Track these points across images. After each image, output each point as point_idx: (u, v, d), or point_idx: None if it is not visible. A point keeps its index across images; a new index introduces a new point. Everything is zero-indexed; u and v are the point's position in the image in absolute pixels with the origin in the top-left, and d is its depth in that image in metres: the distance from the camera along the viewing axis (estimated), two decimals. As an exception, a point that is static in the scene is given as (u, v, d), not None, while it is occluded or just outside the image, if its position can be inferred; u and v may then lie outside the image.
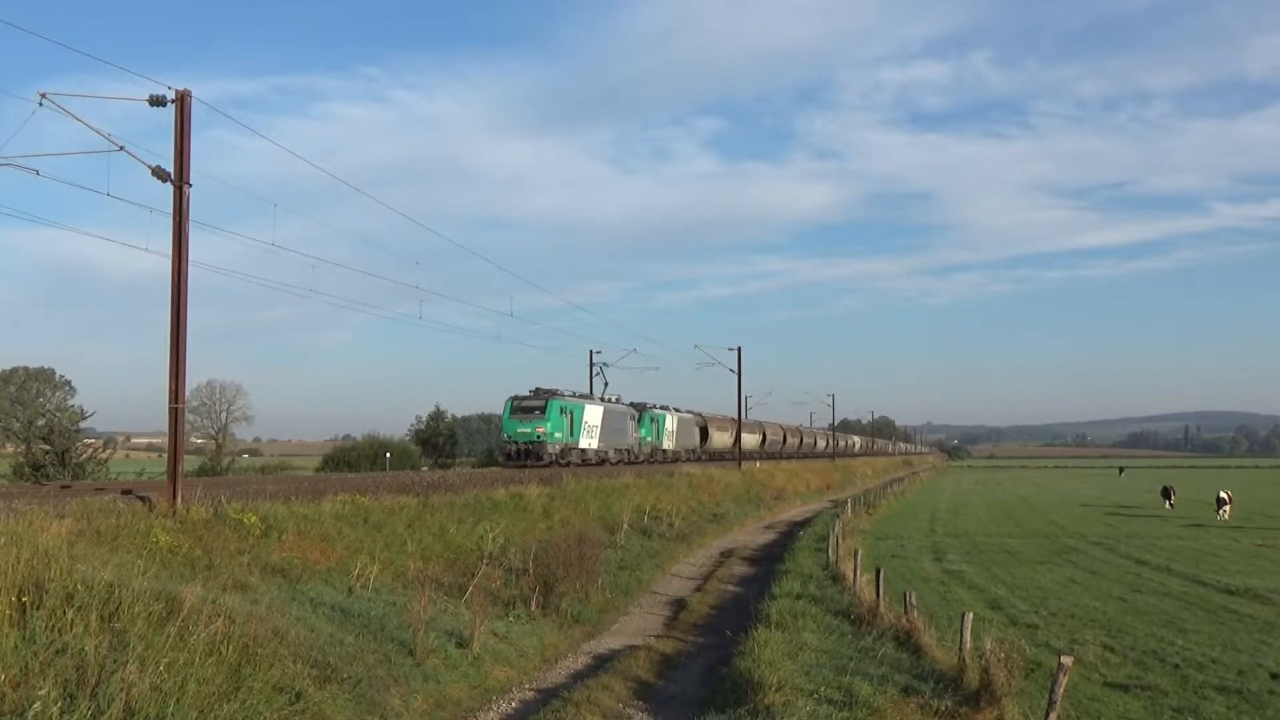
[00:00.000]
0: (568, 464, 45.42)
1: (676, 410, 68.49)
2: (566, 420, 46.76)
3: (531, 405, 45.61)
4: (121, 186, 19.16)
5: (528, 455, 44.48)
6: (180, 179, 18.00)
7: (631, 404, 59.72)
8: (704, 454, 73.52)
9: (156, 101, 17.86)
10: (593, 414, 50.56)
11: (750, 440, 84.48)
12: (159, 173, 18.03)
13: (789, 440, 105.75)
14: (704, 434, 74.50)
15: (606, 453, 52.20)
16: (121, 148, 17.84)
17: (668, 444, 64.26)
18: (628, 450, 56.08)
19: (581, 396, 50.14)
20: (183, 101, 18.07)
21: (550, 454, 44.86)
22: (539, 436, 44.71)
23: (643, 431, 59.05)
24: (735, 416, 76.44)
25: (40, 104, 16.97)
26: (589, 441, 49.84)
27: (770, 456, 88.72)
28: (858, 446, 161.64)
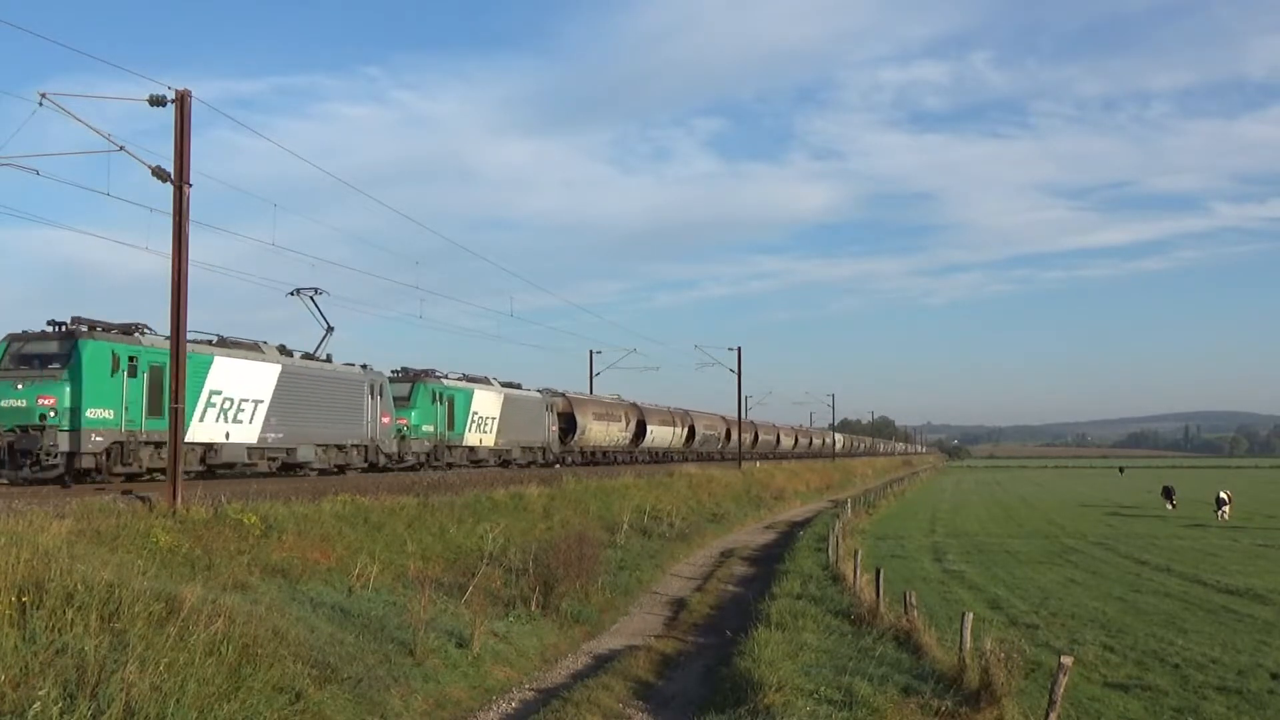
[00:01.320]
0: (147, 475, 23.46)
1: (508, 386, 43.50)
2: (141, 387, 23.04)
3: (44, 351, 22.14)
4: (121, 186, 19.20)
5: (22, 455, 20.82)
6: (180, 179, 18.01)
7: (400, 370, 36.30)
8: (571, 454, 50.20)
9: (156, 101, 17.87)
10: (253, 379, 26.33)
11: (664, 434, 65.10)
12: (159, 173, 18.04)
13: (736, 436, 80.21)
14: (569, 424, 50.13)
15: (291, 451, 27.98)
16: (121, 148, 17.86)
17: (477, 438, 39.42)
18: (364, 446, 31.39)
19: (235, 345, 26.71)
20: (183, 101, 18.08)
21: (53, 450, 21.05)
22: (45, 415, 21.07)
23: (413, 416, 34.90)
24: (635, 402, 61.61)
25: (40, 104, 17.01)
26: (236, 429, 25.81)
27: (705, 458, 70.36)
28: (839, 445, 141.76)
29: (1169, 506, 52.89)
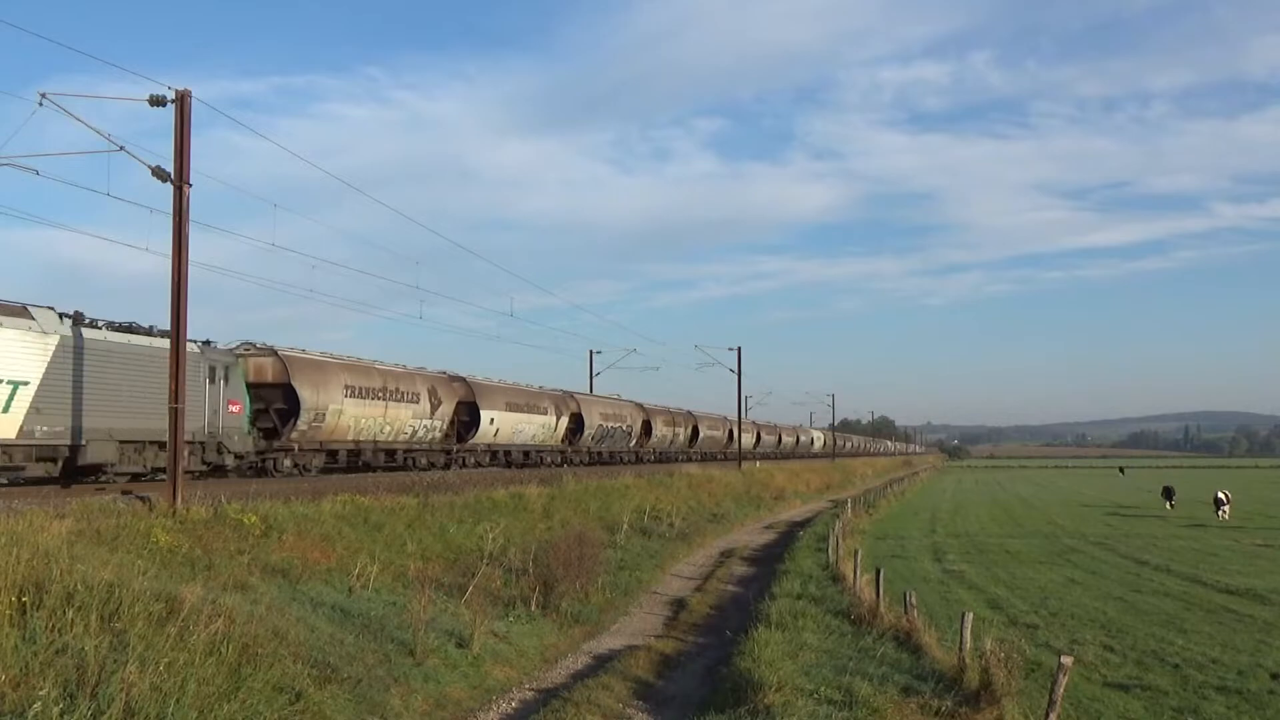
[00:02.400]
0: None
1: (100, 327, 22.55)
2: None
3: None
4: (121, 186, 19.18)
5: None
6: (180, 179, 18.01)
7: None
8: (289, 454, 29.97)
9: (156, 101, 17.88)
10: None
11: (515, 427, 43.30)
12: (159, 173, 18.04)
13: (659, 431, 63.64)
14: (290, 402, 29.64)
15: None
16: (121, 148, 17.87)
17: None
18: None
19: None
20: (183, 101, 18.08)
21: None
22: None
23: None
24: (461, 375, 40.50)
25: (40, 104, 17.02)
26: None
27: (601, 461, 53.60)
28: (817, 444, 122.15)
29: (1168, 506, 52.88)
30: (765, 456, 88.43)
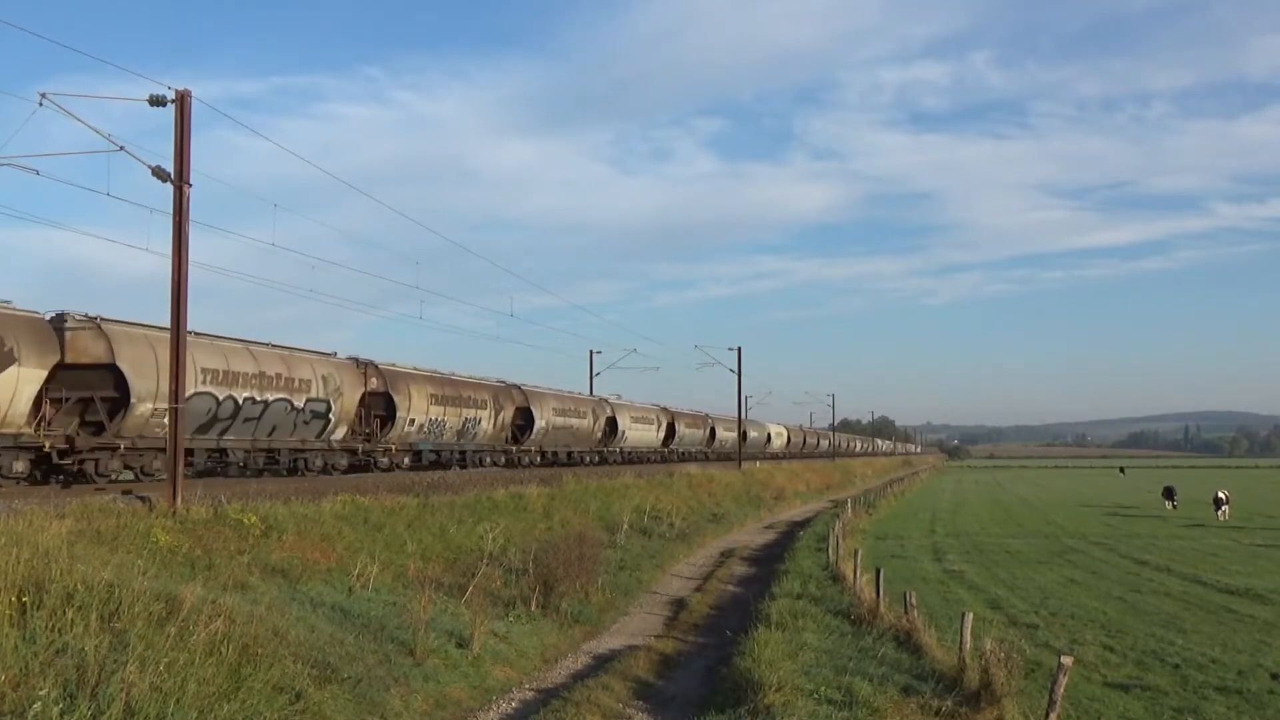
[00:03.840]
0: None
1: None
2: None
3: None
4: (121, 186, 19.16)
5: None
6: (180, 179, 18.00)
7: None
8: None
9: (156, 101, 17.86)
10: None
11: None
12: (159, 173, 18.02)
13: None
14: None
15: None
16: (121, 148, 17.84)
17: None
18: None
19: None
20: (183, 101, 18.07)
21: None
22: None
23: None
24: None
25: (40, 104, 16.99)
26: None
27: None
28: (777, 443, 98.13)
29: (1170, 506, 52.82)
30: (689, 456, 69.71)
